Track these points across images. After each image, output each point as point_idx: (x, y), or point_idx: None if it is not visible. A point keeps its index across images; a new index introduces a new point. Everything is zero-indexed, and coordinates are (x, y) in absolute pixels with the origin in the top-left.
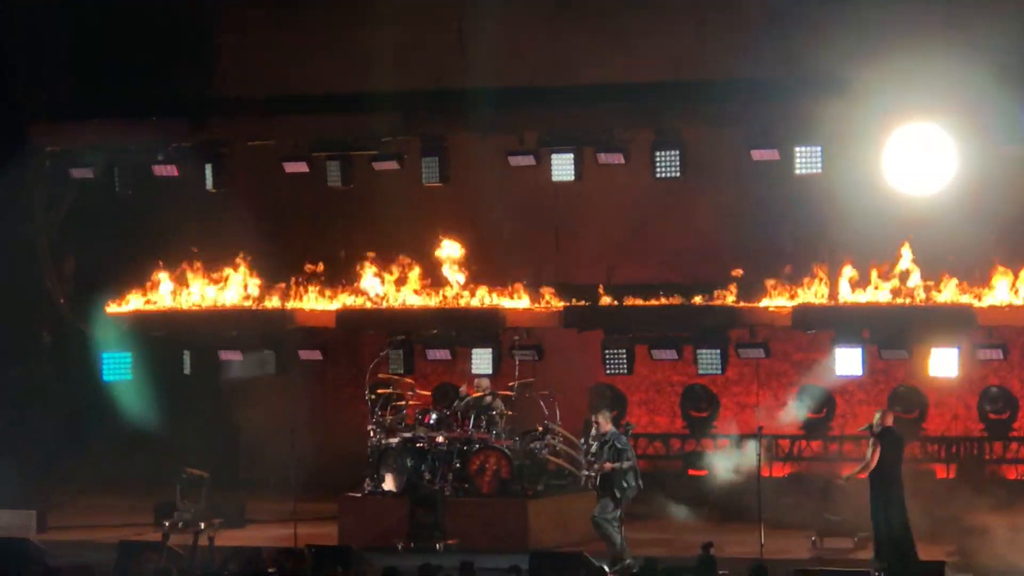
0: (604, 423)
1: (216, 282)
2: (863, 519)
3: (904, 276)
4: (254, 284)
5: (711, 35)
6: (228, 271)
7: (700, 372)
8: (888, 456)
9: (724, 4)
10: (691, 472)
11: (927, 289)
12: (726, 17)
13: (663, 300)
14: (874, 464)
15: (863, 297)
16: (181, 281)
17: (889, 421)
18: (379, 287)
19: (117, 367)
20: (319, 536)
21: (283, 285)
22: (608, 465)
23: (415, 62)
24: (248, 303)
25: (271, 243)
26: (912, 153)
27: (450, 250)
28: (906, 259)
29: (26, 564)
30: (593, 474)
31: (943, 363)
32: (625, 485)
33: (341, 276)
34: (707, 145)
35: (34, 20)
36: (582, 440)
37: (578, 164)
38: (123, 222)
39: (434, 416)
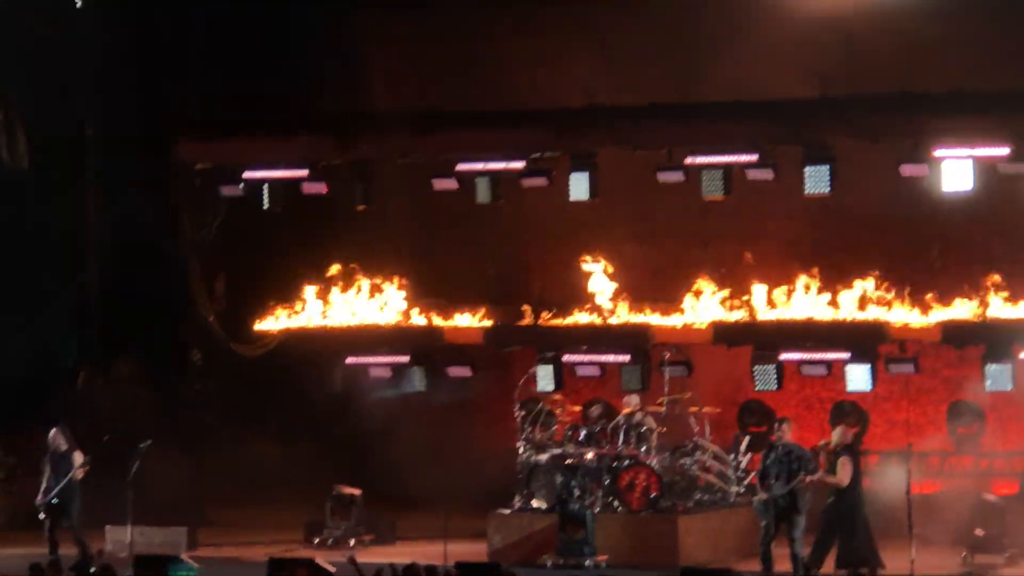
0: (787, 433)
1: (365, 298)
2: (1014, 535)
3: None
4: (402, 300)
5: (858, 50)
6: (376, 288)
7: (849, 388)
8: (855, 472)
9: (871, 19)
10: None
11: None
12: (875, 26)
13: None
14: (847, 481)
15: (1015, 313)
16: (330, 298)
17: (849, 438)
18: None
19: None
20: (468, 553)
21: (431, 302)
22: (808, 479)
23: (564, 78)
24: (397, 320)
25: (419, 260)
26: None
27: (598, 266)
28: None
29: None
30: (781, 492)
31: None
32: (808, 499)
33: (490, 293)
34: (855, 160)
35: (182, 38)
36: (732, 456)
37: (728, 180)
38: (272, 239)
39: (584, 432)
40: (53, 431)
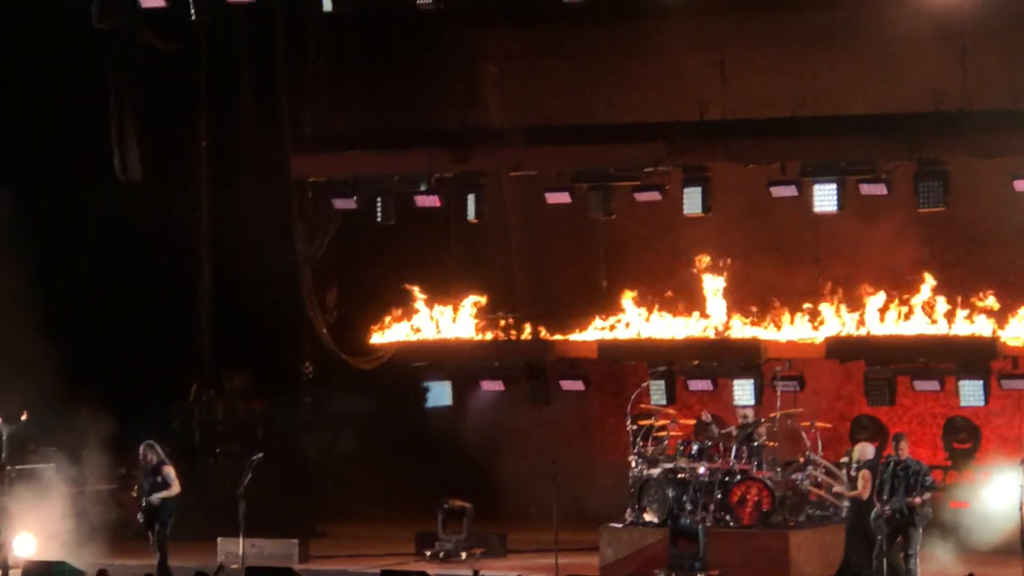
0: (905, 449)
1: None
2: None
3: None
4: (516, 314)
5: (972, 66)
6: (488, 303)
7: (962, 404)
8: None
9: (985, 35)
10: (952, 504)
11: None
12: (990, 43)
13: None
14: (866, 495)
15: None
16: (443, 310)
17: (870, 453)
18: (638, 318)
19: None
20: (580, 567)
21: (543, 314)
22: (918, 500)
23: (678, 92)
24: (511, 334)
25: (531, 272)
26: None
27: (711, 280)
28: None
29: None
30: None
31: None
32: (929, 513)
33: (603, 306)
34: (968, 175)
35: (297, 52)
36: (844, 471)
37: (841, 195)
38: (385, 253)
39: (696, 447)
40: (143, 446)
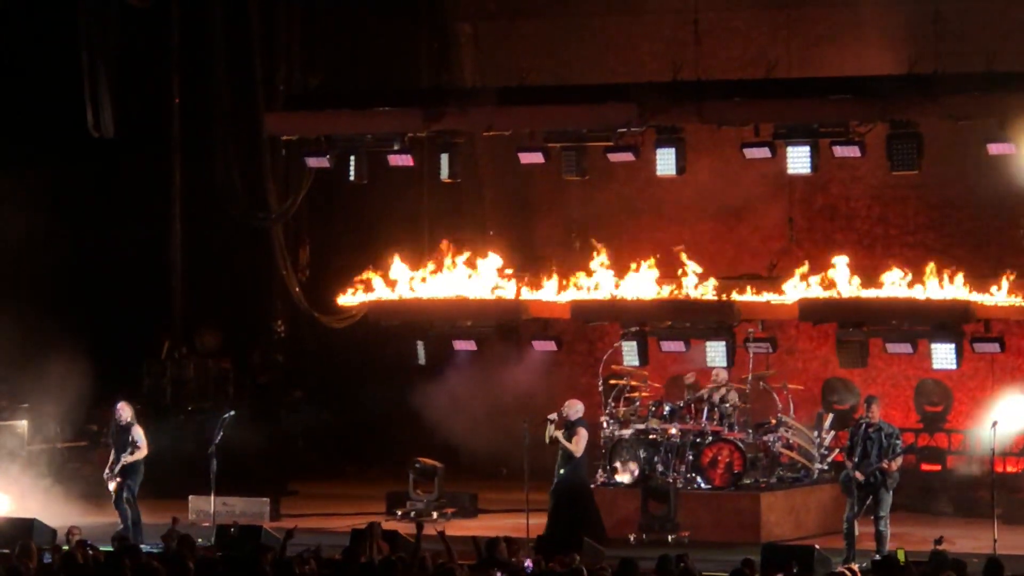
0: (877, 412)
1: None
2: None
3: None
4: (488, 274)
5: (946, 29)
6: (462, 260)
7: (934, 367)
8: None
9: None
10: (924, 467)
11: None
12: (963, 5)
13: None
14: (580, 452)
15: None
16: (415, 271)
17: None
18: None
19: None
20: None
21: (518, 275)
22: (893, 465)
23: (651, 53)
24: (483, 293)
25: (505, 232)
26: None
27: (683, 241)
28: None
29: (259, 551)
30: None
31: None
32: (898, 476)
33: (576, 266)
34: (942, 138)
35: (271, 10)
36: (815, 433)
37: (814, 157)
38: (358, 212)
39: (667, 408)
40: (120, 404)
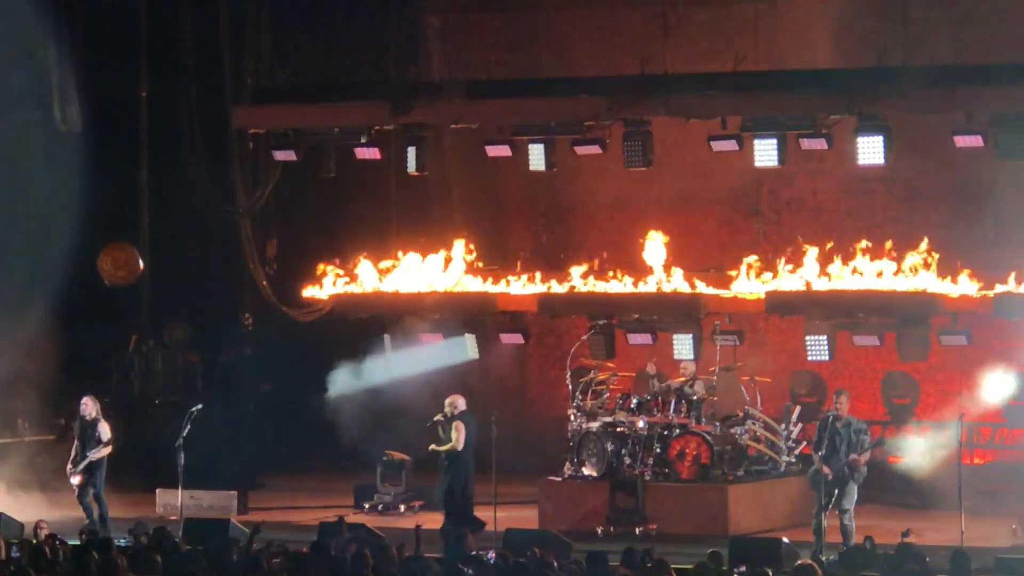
0: (845, 405)
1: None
2: None
3: None
4: (456, 267)
5: (914, 20)
6: (429, 254)
7: (901, 359)
8: None
9: None
10: (891, 459)
11: None
12: (929, 4)
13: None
14: (460, 446)
15: None
16: (383, 264)
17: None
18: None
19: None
20: (519, 520)
21: (486, 268)
22: (862, 459)
23: (619, 46)
24: (450, 286)
25: (472, 226)
26: None
27: (651, 234)
28: None
29: (227, 545)
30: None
31: None
32: (865, 470)
33: (543, 260)
34: (910, 131)
35: (238, 3)
36: (783, 426)
37: (781, 150)
38: (325, 205)
39: (635, 401)
40: (85, 399)
